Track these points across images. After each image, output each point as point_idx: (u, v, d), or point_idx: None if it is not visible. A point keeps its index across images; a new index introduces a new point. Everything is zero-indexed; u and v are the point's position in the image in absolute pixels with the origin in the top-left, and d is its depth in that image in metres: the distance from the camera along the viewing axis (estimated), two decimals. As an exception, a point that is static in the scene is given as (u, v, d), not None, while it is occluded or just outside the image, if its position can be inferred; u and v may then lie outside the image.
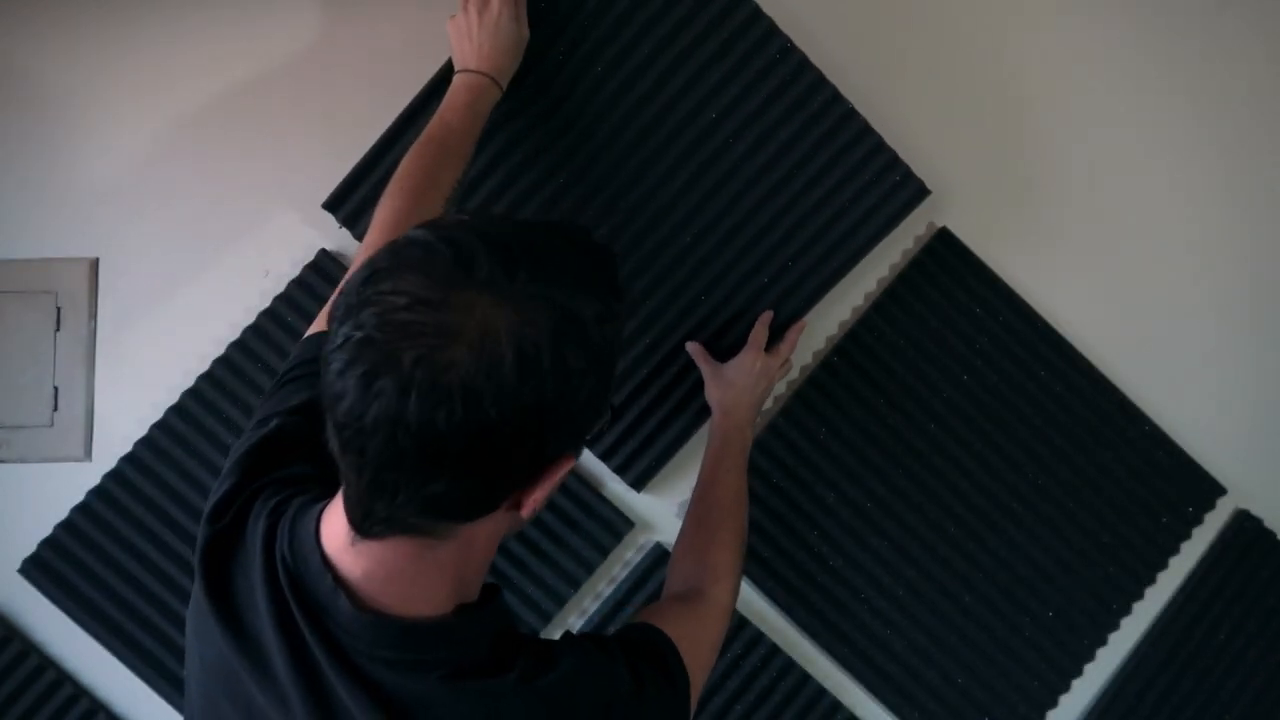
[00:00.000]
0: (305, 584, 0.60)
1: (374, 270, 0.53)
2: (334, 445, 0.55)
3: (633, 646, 0.72)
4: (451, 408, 0.49)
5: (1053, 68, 1.28)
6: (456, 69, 1.04)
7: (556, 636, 0.73)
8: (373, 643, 0.59)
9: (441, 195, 0.93)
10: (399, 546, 0.58)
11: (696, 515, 1.00)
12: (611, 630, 0.77)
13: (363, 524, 0.57)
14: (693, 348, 1.14)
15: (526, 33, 1.08)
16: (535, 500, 0.58)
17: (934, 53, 1.27)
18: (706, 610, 0.87)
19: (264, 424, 0.73)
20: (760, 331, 1.12)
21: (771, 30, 1.14)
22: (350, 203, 1.17)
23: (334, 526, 0.60)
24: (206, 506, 0.69)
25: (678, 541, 0.99)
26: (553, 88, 1.16)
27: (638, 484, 1.17)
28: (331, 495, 0.63)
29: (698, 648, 0.77)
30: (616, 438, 1.17)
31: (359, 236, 1.17)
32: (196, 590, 0.65)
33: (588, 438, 0.62)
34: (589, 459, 1.19)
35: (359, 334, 0.51)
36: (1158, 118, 1.28)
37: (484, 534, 0.61)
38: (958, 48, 1.28)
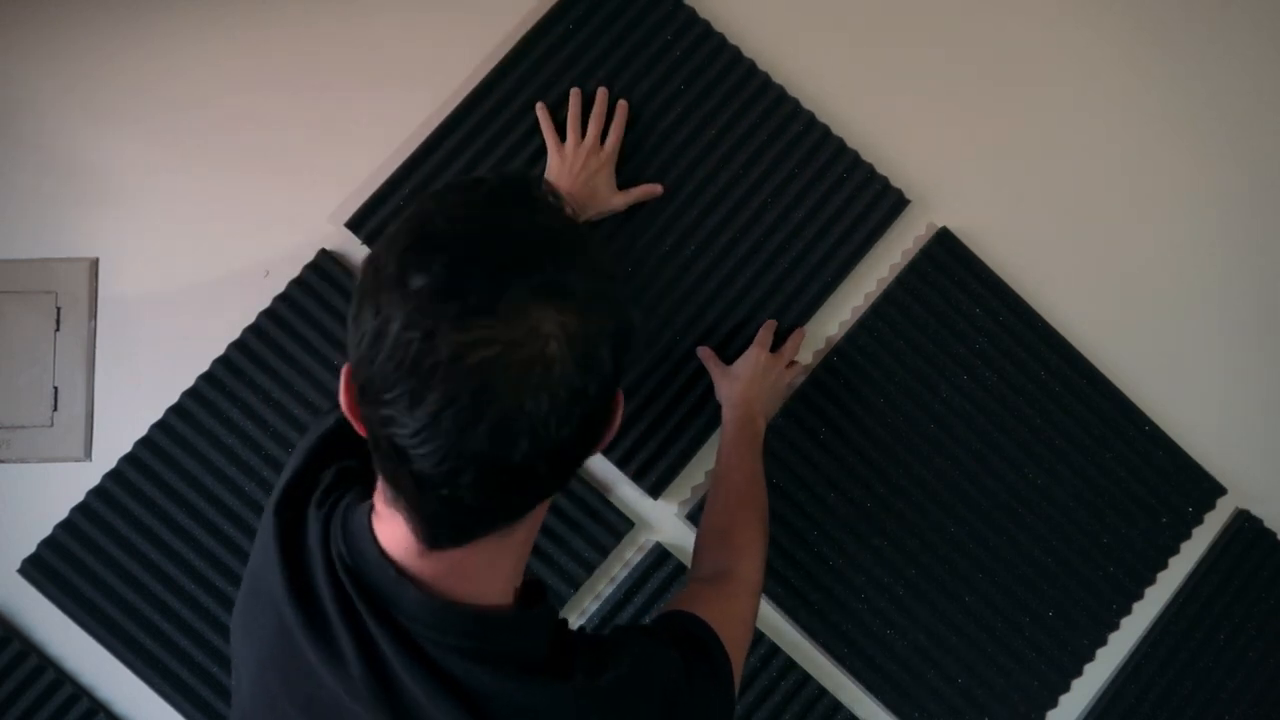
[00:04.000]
0: (366, 578, 0.60)
1: (423, 330, 0.49)
2: (406, 491, 0.54)
3: (678, 637, 0.73)
4: (529, 440, 0.50)
5: (1053, 67, 1.28)
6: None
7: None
8: (445, 630, 0.59)
9: None
10: (475, 546, 0.58)
11: (716, 501, 1.02)
12: (648, 620, 0.78)
13: (439, 541, 0.57)
14: (702, 352, 1.18)
15: (618, 202, 1.16)
16: (607, 441, 0.59)
17: (933, 54, 1.28)
18: (736, 588, 0.88)
19: (318, 427, 0.74)
20: (764, 332, 1.17)
21: (752, 68, 1.23)
22: (373, 221, 1.20)
23: (392, 536, 0.60)
24: (274, 497, 0.68)
25: (700, 529, 1.01)
26: (564, 114, 1.20)
27: (654, 490, 1.18)
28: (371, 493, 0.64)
29: (734, 628, 0.78)
30: (631, 444, 1.18)
31: None
32: (273, 582, 0.64)
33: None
34: (595, 461, 1.19)
35: (451, 404, 0.49)
36: (1158, 117, 1.29)
37: (538, 514, 0.62)
38: (957, 49, 1.28)
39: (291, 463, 0.70)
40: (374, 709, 0.59)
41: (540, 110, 1.19)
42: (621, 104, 1.19)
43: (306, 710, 0.62)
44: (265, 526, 0.67)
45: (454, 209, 0.54)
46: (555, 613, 0.67)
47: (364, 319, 0.51)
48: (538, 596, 0.66)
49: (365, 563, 0.60)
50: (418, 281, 0.49)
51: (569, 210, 0.57)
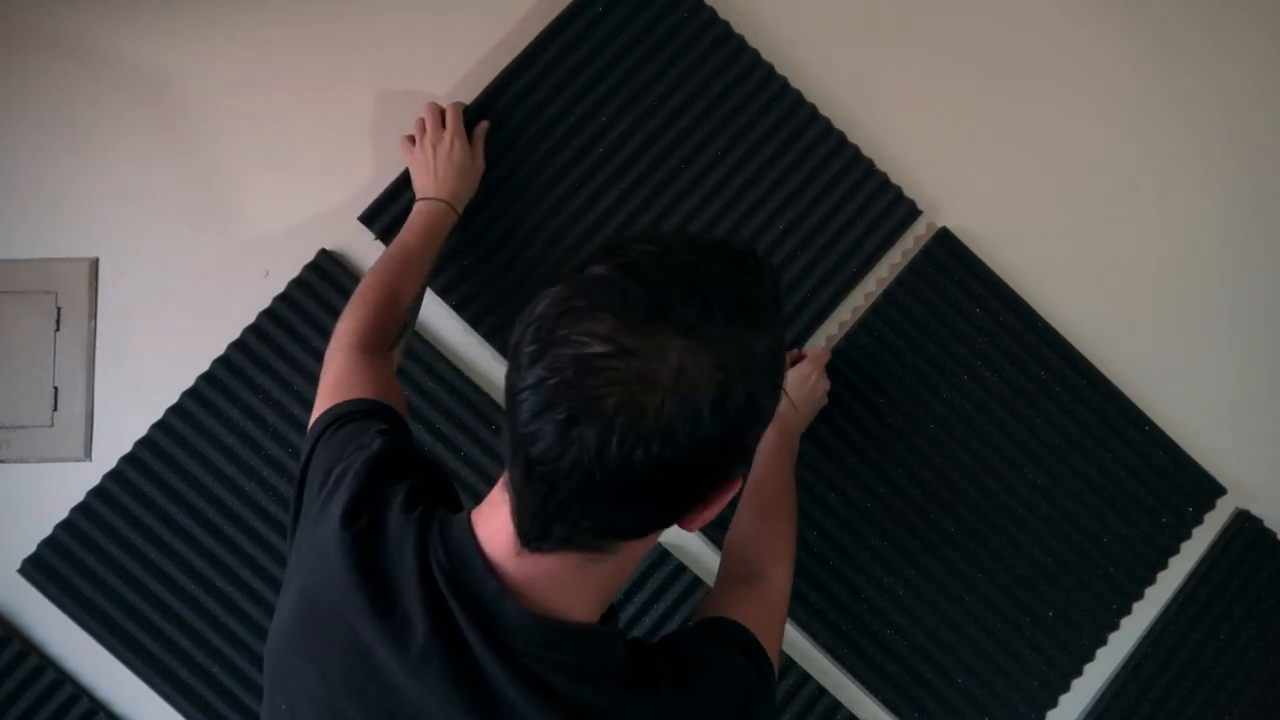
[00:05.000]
0: (468, 589, 0.61)
1: (566, 308, 0.52)
2: (516, 474, 0.56)
3: (737, 645, 0.75)
4: (649, 449, 0.50)
5: (1053, 68, 1.28)
6: (417, 196, 1.13)
7: None
8: (545, 645, 0.60)
9: (404, 305, 1.00)
10: (566, 559, 0.59)
11: (753, 506, 1.03)
12: (690, 625, 0.81)
13: (536, 540, 0.58)
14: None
15: (482, 165, 1.19)
16: (704, 519, 0.59)
17: (934, 56, 1.28)
18: (770, 591, 0.91)
19: (364, 445, 0.73)
20: (823, 352, 1.18)
21: (771, 72, 1.24)
22: (386, 216, 1.20)
23: (493, 532, 0.61)
24: (325, 499, 0.69)
25: (734, 530, 1.02)
26: (567, 118, 1.21)
27: None
28: (453, 502, 0.66)
29: (770, 631, 0.80)
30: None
31: None
32: (345, 599, 0.63)
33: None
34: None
35: (555, 378, 0.51)
36: (1158, 117, 1.29)
37: (644, 547, 0.63)
38: (957, 50, 1.28)
39: (352, 481, 0.69)
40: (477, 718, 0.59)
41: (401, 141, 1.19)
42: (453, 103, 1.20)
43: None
44: (328, 542, 0.65)
45: (674, 239, 0.56)
46: (619, 624, 0.70)
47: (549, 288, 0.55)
48: (611, 614, 0.68)
49: (469, 574, 0.61)
50: (592, 270, 0.53)
51: (775, 287, 0.59)
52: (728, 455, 0.55)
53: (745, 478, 0.63)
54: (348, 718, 0.62)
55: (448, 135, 1.15)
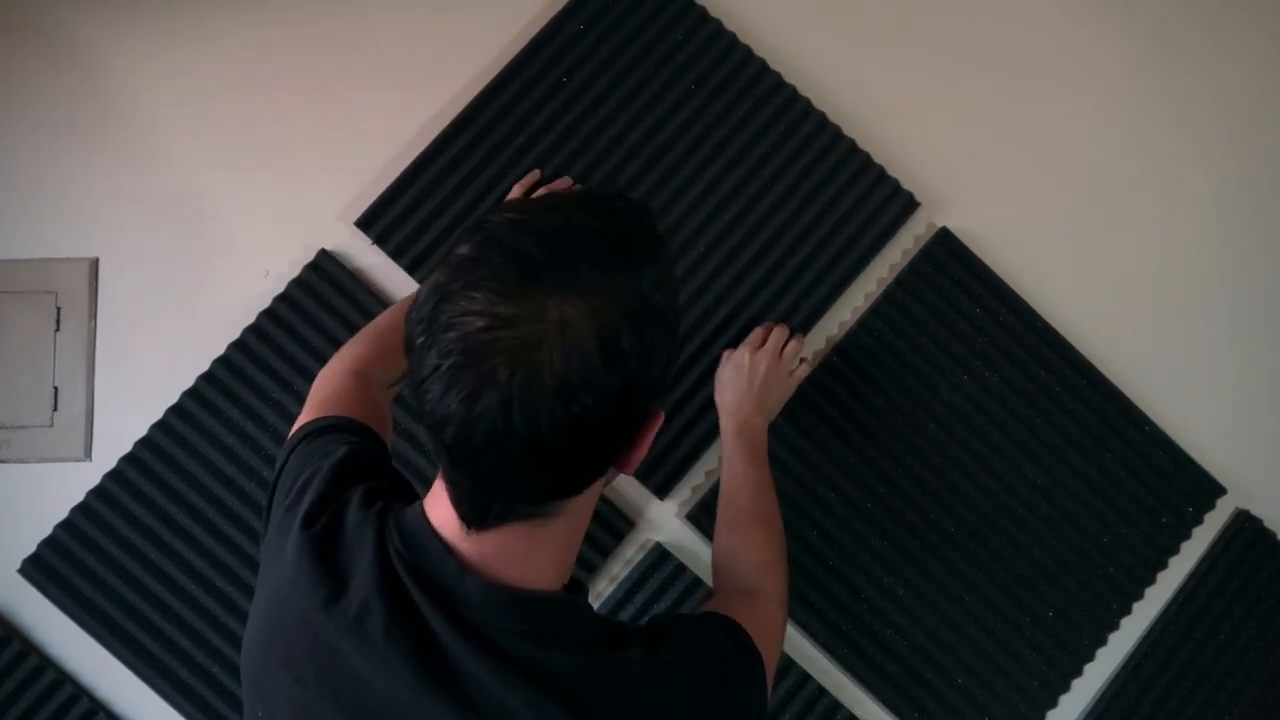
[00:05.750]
0: (428, 573, 0.62)
1: (442, 294, 0.54)
2: (443, 463, 0.58)
3: (720, 627, 0.75)
4: (552, 409, 0.52)
5: (1053, 67, 1.28)
6: None
7: None
8: (510, 616, 0.61)
9: (397, 369, 0.96)
10: (514, 531, 0.60)
11: (728, 520, 1.01)
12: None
13: (477, 521, 0.60)
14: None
15: None
16: (636, 459, 0.61)
17: (932, 55, 1.28)
18: (764, 603, 0.89)
19: (330, 453, 0.74)
20: (757, 332, 1.17)
21: (764, 68, 1.24)
22: (382, 221, 1.20)
23: (444, 518, 0.62)
24: (289, 507, 0.70)
25: (716, 547, 1.00)
26: (564, 117, 1.22)
27: (661, 491, 1.18)
28: (408, 496, 0.67)
29: (767, 640, 0.80)
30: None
31: (392, 254, 1.19)
32: (306, 600, 0.64)
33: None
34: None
35: (447, 361, 0.52)
36: (1158, 117, 1.29)
37: (588, 502, 0.64)
38: (956, 50, 1.28)
39: (316, 487, 0.70)
40: (439, 701, 0.60)
41: (529, 179, 1.19)
42: (564, 178, 1.20)
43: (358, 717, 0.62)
44: (290, 548, 0.66)
45: (534, 202, 0.58)
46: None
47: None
48: (579, 586, 0.69)
49: (428, 558, 0.62)
50: (459, 252, 0.54)
51: (645, 223, 0.59)
52: (635, 395, 0.55)
53: (664, 407, 0.65)
54: (324, 718, 0.63)
55: None
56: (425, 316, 0.54)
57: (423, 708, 0.60)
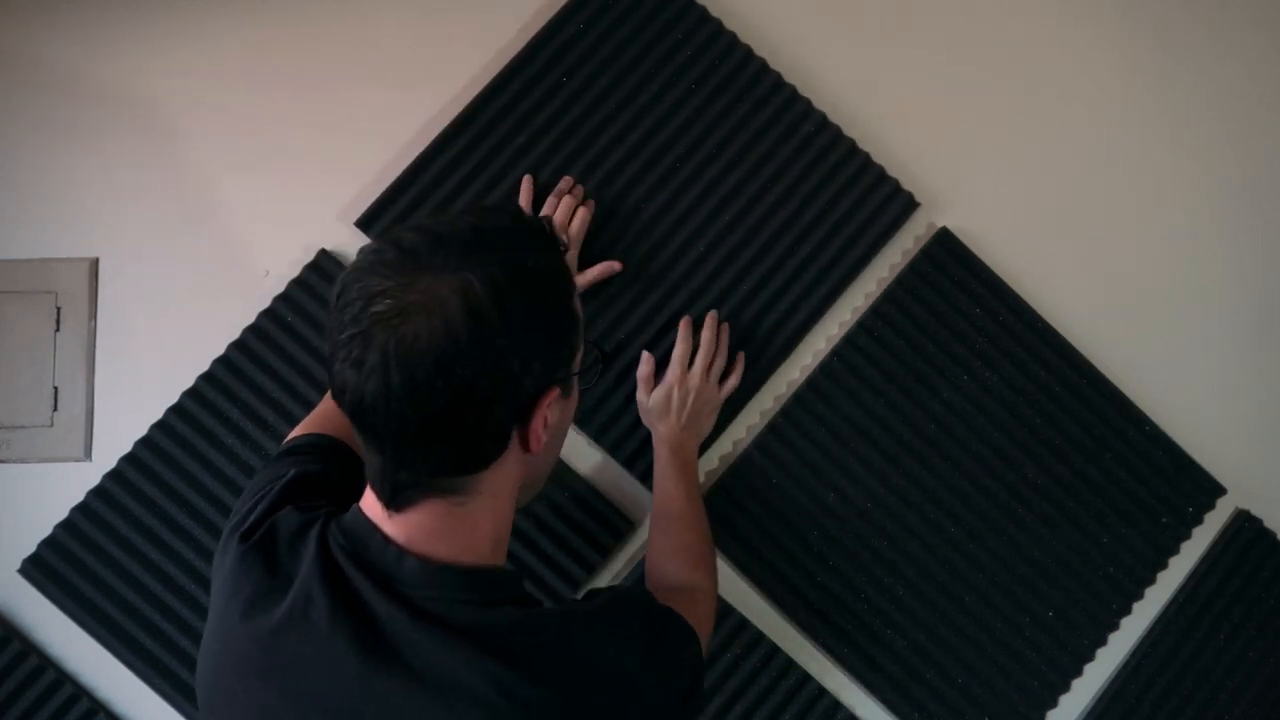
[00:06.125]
0: (370, 561, 0.67)
1: (344, 282, 0.63)
2: (357, 435, 0.65)
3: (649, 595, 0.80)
4: (426, 370, 0.59)
5: (1053, 68, 1.28)
6: None
7: None
8: (450, 587, 0.66)
9: None
10: (431, 509, 0.66)
11: (660, 527, 1.04)
12: None
13: (394, 498, 0.66)
14: (641, 372, 1.15)
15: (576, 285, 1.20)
16: (537, 434, 0.66)
17: (932, 55, 1.28)
18: (696, 595, 0.94)
19: (280, 476, 0.79)
20: (683, 346, 1.14)
21: (764, 68, 1.24)
22: (382, 221, 1.20)
23: (372, 507, 0.68)
24: (234, 528, 0.74)
25: (649, 553, 1.03)
26: (563, 117, 1.22)
27: (645, 478, 1.18)
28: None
29: (691, 622, 0.82)
30: (638, 445, 1.18)
31: None
32: (253, 601, 0.68)
33: (572, 373, 0.70)
34: (596, 457, 1.19)
35: (346, 332, 0.61)
36: (1158, 117, 1.29)
37: (503, 482, 0.68)
38: (956, 50, 1.28)
39: (261, 507, 0.74)
40: (384, 678, 0.63)
41: (525, 183, 1.18)
42: (589, 203, 1.18)
43: (313, 709, 0.65)
44: (232, 563, 0.71)
45: (434, 213, 0.68)
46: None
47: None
48: (516, 573, 0.74)
49: (368, 548, 0.67)
50: (366, 250, 0.64)
51: (515, 219, 0.67)
52: (515, 367, 0.61)
53: (566, 385, 0.69)
54: (279, 715, 0.66)
55: (566, 239, 1.11)
56: (331, 301, 0.63)
57: (368, 687, 0.64)
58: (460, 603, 0.66)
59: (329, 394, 0.97)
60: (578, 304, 0.70)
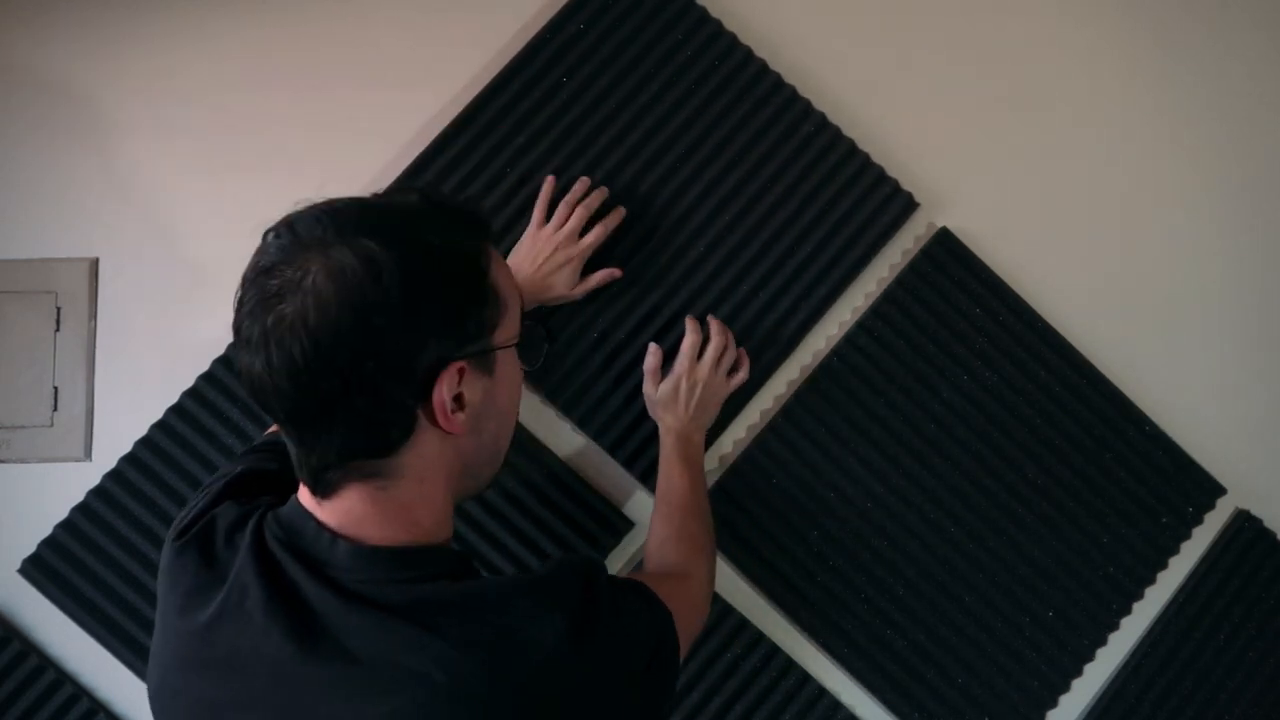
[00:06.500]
0: (303, 549, 0.67)
1: (248, 268, 0.64)
2: (281, 431, 0.66)
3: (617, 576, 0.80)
4: (302, 344, 0.59)
5: (1053, 68, 1.28)
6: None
7: None
8: (383, 569, 0.66)
9: None
10: (357, 493, 0.66)
11: (663, 514, 1.04)
12: None
13: (316, 485, 0.66)
14: (648, 364, 1.14)
15: (576, 293, 1.15)
16: (442, 411, 0.64)
17: (932, 55, 1.28)
18: (693, 585, 0.94)
19: (227, 473, 0.80)
20: (691, 338, 1.13)
21: (764, 68, 1.24)
22: None
23: (307, 497, 0.69)
24: (174, 525, 0.75)
25: (649, 539, 1.03)
26: (575, 113, 1.22)
27: (645, 478, 1.18)
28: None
29: (684, 612, 0.82)
30: (638, 445, 1.18)
31: None
32: (190, 597, 0.69)
33: (488, 349, 0.68)
34: (596, 457, 1.19)
35: (237, 315, 0.63)
36: (1158, 117, 1.29)
37: (427, 465, 0.67)
38: (956, 50, 1.28)
39: (201, 503, 0.75)
40: (320, 664, 0.63)
41: (547, 184, 1.17)
42: (618, 210, 1.17)
43: (254, 699, 0.65)
44: (164, 562, 0.73)
45: (331, 200, 0.68)
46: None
47: None
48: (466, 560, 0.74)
49: (303, 537, 0.67)
50: (269, 229, 0.66)
51: (416, 200, 0.67)
52: (399, 340, 0.61)
53: (484, 361, 0.68)
54: (221, 708, 0.66)
55: (576, 250, 1.12)
56: (238, 290, 0.64)
57: (305, 674, 0.63)
58: (394, 582, 0.65)
59: None
60: (496, 280, 0.68)
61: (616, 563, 1.19)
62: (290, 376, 0.60)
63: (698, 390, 1.11)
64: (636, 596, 0.77)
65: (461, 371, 0.65)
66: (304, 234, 0.63)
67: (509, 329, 0.70)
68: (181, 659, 0.68)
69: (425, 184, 1.17)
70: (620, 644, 0.70)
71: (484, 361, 0.68)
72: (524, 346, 0.73)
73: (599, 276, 1.15)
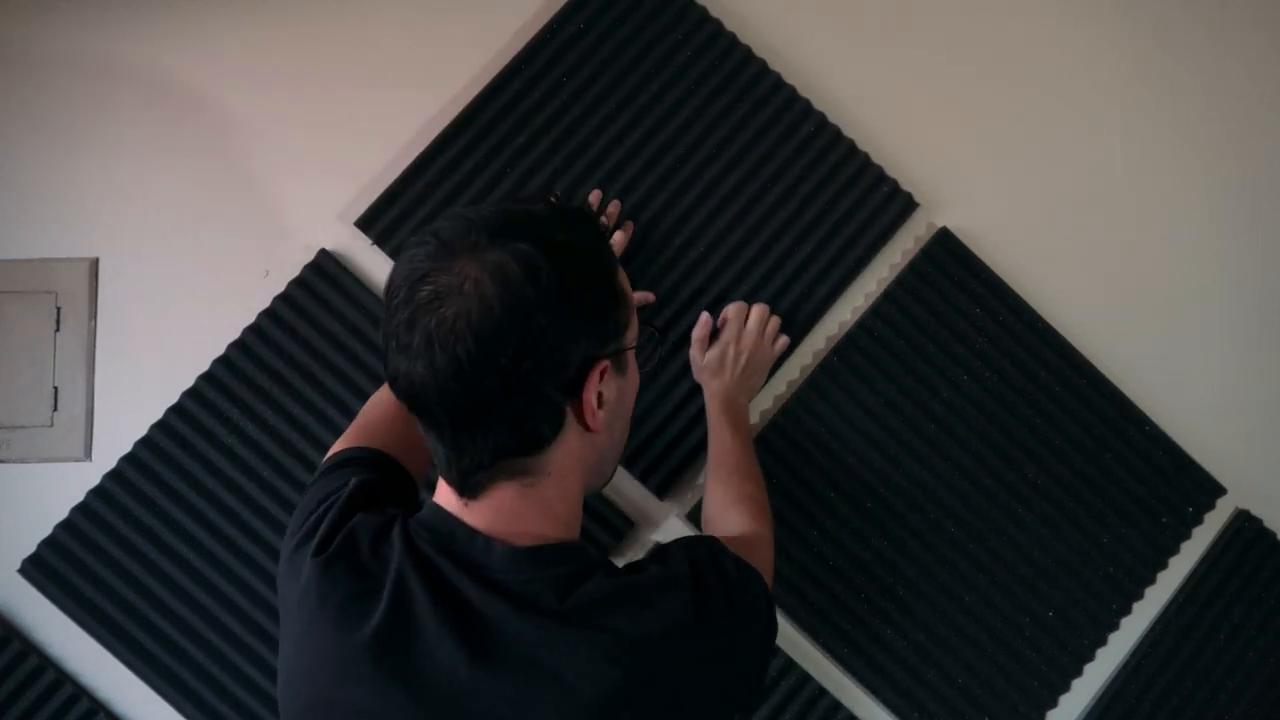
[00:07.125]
0: (459, 553, 0.68)
1: (391, 279, 0.65)
2: (420, 427, 0.67)
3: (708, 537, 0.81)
4: (466, 345, 0.61)
5: (1053, 68, 1.28)
6: None
7: None
8: (541, 567, 0.67)
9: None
10: (504, 491, 0.68)
11: (719, 478, 1.05)
12: None
13: (465, 485, 0.68)
14: (696, 333, 1.17)
15: None
16: (590, 409, 0.67)
17: (932, 55, 1.28)
18: (757, 542, 0.95)
19: (342, 486, 0.78)
20: (734, 311, 1.17)
21: (764, 69, 1.24)
22: (382, 222, 1.20)
23: (448, 499, 0.70)
24: (301, 542, 0.73)
25: (706, 503, 1.04)
26: (575, 113, 1.22)
27: (660, 491, 1.19)
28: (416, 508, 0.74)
29: (761, 565, 0.84)
30: (638, 445, 1.18)
31: (391, 254, 1.20)
32: (337, 613, 0.68)
33: (623, 349, 0.70)
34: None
35: (393, 323, 0.64)
36: (1158, 117, 1.29)
37: (570, 462, 0.69)
38: (956, 50, 1.28)
39: (330, 516, 0.74)
40: (495, 677, 0.64)
41: (591, 199, 1.19)
42: (628, 224, 1.19)
43: (431, 705, 0.65)
44: (307, 577, 0.70)
45: (467, 208, 0.68)
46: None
47: None
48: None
49: (455, 540, 0.68)
50: (410, 243, 0.66)
51: (545, 207, 0.68)
52: (555, 339, 0.63)
53: (619, 361, 0.71)
54: (393, 717, 0.65)
55: None
56: (384, 298, 0.66)
57: (480, 677, 0.64)
58: (553, 581, 0.67)
59: (365, 407, 0.98)
60: (622, 282, 0.71)
61: (617, 563, 1.19)
62: (455, 376, 0.61)
63: (744, 357, 1.14)
64: (751, 572, 0.79)
65: (604, 370, 0.67)
66: (453, 241, 0.64)
67: (634, 330, 0.73)
68: (341, 673, 0.67)
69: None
70: (751, 617, 0.75)
71: (620, 361, 0.70)
72: (639, 348, 0.75)
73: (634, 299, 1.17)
